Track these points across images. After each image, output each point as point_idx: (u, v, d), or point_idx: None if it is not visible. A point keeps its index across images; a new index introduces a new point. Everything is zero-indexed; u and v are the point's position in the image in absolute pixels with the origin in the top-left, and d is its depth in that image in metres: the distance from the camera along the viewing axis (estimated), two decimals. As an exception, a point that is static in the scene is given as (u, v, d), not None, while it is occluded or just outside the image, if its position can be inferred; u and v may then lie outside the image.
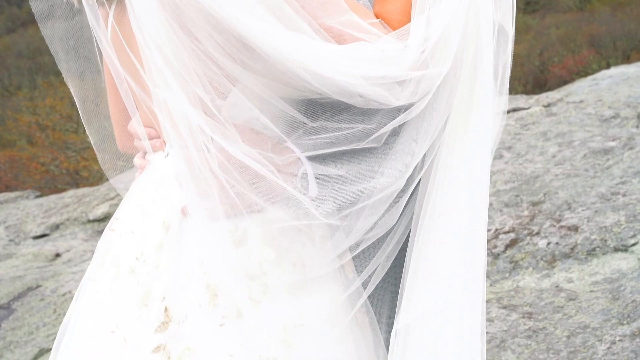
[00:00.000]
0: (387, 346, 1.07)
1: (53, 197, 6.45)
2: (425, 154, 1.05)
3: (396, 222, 1.03)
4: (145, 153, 1.19)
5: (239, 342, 1.03)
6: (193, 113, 0.98)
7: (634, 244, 2.71)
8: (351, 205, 1.00)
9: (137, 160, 1.20)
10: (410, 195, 1.05)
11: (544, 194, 3.24)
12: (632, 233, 2.74)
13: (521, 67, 17.71)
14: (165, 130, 1.02)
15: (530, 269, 2.81)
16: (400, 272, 1.07)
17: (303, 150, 1.02)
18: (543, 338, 2.31)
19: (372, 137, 1.02)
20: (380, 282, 1.07)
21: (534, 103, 4.61)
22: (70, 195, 6.25)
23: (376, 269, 1.05)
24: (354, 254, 1.04)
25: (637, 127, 3.77)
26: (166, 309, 1.04)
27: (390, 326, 1.08)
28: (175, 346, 1.03)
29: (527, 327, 2.36)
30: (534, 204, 3.18)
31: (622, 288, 2.47)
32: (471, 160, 1.05)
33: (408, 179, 1.04)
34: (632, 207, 2.92)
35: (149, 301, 1.05)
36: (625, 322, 2.28)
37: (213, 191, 1.02)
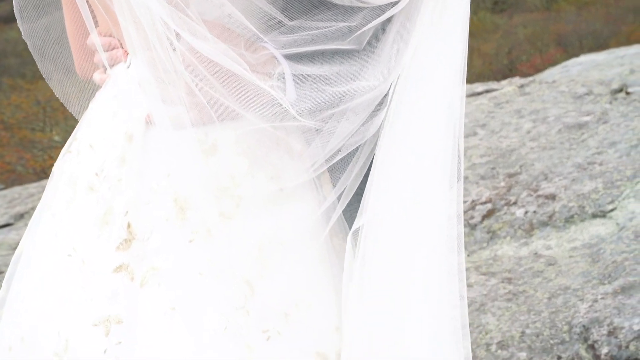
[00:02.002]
0: None
1: (18, 189, 6.26)
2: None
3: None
4: (105, 68, 1.09)
5: (210, 261, 0.94)
6: (157, 5, 0.89)
7: (612, 210, 2.68)
8: (333, 107, 0.92)
9: (96, 75, 1.10)
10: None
11: (520, 166, 3.20)
12: (610, 199, 2.71)
13: (489, 66, 17.87)
14: (127, 33, 0.94)
15: (508, 238, 2.76)
16: None
17: (279, 48, 0.94)
18: (523, 300, 2.26)
19: (353, 36, 0.94)
20: (353, 197, 1.00)
21: (507, 84, 4.60)
22: (34, 186, 6.07)
23: (350, 180, 0.98)
24: (331, 164, 0.97)
25: (611, 103, 3.76)
26: (129, 225, 0.95)
27: None
28: (139, 266, 0.94)
29: (506, 290, 2.31)
30: (510, 175, 3.14)
31: (602, 251, 2.44)
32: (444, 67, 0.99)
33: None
34: (609, 174, 2.89)
35: (110, 219, 0.96)
36: (606, 281, 2.24)
37: (180, 96, 0.94)
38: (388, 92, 0.94)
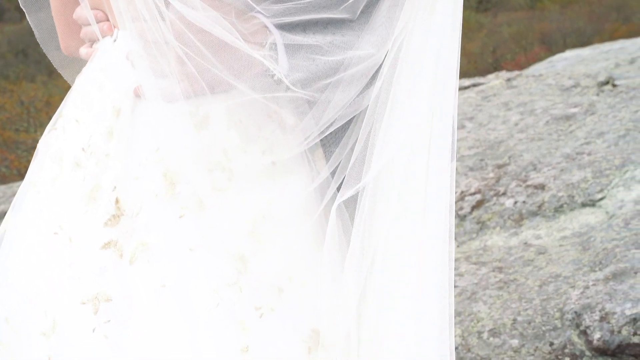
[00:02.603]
0: None
1: (2, 187, 6.18)
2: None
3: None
4: (92, 43, 1.06)
5: (201, 236, 0.92)
6: None
7: (601, 199, 2.68)
8: (327, 77, 0.90)
9: (82, 50, 1.07)
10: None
11: (509, 157, 3.20)
12: (599, 188, 2.71)
13: (475, 64, 17.97)
14: (116, 4, 0.91)
15: (498, 228, 2.75)
16: None
17: (270, 17, 0.92)
18: (514, 288, 2.25)
19: (346, 4, 0.92)
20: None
21: (494, 78, 4.60)
22: (19, 184, 6.00)
23: (345, 154, 0.96)
24: (325, 136, 0.95)
25: (598, 94, 3.77)
26: (117, 201, 0.92)
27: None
28: (128, 242, 0.91)
29: (497, 279, 2.30)
30: (499, 166, 3.14)
31: (592, 239, 2.44)
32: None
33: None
34: (597, 164, 2.89)
35: (98, 194, 0.93)
36: (597, 268, 2.23)
37: (170, 67, 0.91)
38: (383, 62, 0.93)
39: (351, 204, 0.98)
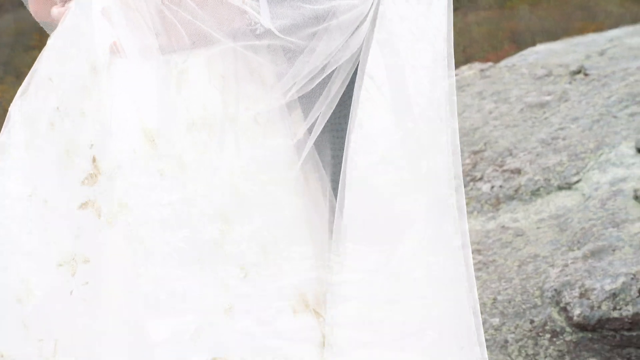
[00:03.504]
0: (335, 194, 0.95)
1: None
2: None
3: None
4: (64, 2, 1.03)
5: (182, 194, 0.89)
6: None
7: (577, 181, 2.70)
8: (313, 25, 0.89)
9: (54, 10, 1.03)
10: None
11: (485, 143, 3.20)
12: (574, 171, 2.72)
13: (446, 63, 18.06)
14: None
15: (475, 212, 2.75)
16: (339, 110, 0.97)
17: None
18: (494, 269, 2.25)
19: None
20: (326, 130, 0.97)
21: (467, 69, 4.61)
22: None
23: (325, 105, 0.94)
24: (303, 93, 0.93)
25: (570, 83, 3.80)
26: (94, 159, 0.89)
27: (336, 166, 0.96)
28: (105, 201, 0.88)
29: (476, 261, 2.29)
30: (475, 152, 3.14)
31: (569, 220, 2.45)
32: None
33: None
34: (573, 147, 2.91)
35: (74, 153, 0.90)
36: (575, 247, 2.24)
37: (149, 21, 0.89)
38: (368, 13, 0.91)
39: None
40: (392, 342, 0.91)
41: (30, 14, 1.10)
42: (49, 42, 1.02)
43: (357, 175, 0.92)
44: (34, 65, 1.02)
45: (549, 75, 3.94)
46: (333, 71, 0.93)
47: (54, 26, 1.03)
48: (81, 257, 0.87)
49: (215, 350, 0.85)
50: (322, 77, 0.92)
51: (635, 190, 2.48)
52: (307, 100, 0.96)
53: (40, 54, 1.02)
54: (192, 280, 0.88)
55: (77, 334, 0.87)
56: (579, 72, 4.05)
